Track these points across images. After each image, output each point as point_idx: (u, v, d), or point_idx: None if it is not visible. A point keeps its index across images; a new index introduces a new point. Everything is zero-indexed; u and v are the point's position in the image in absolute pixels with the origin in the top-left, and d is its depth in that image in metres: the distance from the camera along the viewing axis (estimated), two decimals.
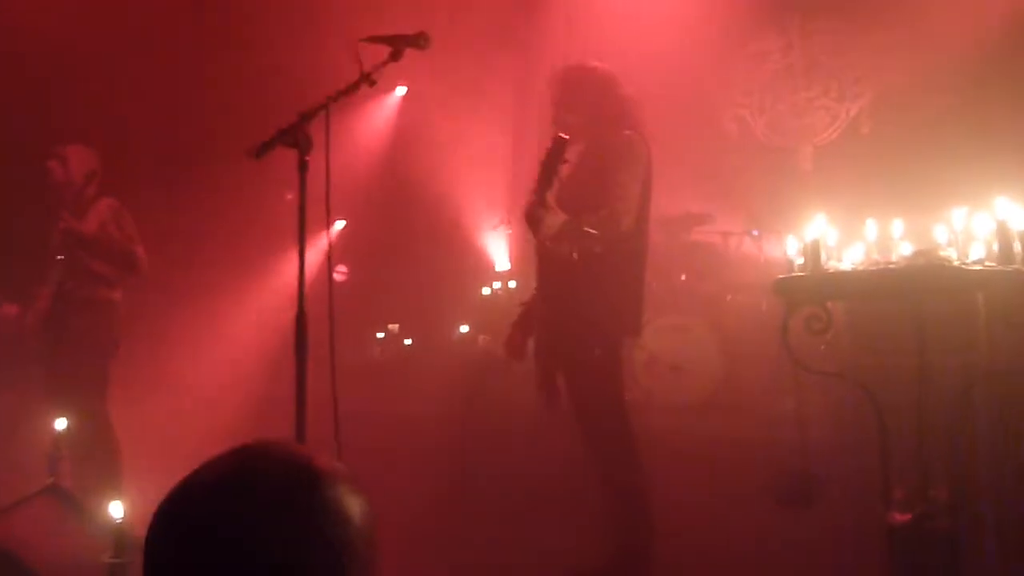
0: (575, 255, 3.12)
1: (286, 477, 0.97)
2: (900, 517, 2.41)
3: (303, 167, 2.54)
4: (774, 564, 3.23)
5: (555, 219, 3.08)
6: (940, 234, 2.75)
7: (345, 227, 7.88)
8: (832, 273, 2.56)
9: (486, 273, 7.59)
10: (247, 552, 0.91)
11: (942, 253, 2.50)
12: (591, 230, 3.09)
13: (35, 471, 3.85)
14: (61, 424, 3.78)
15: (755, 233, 6.57)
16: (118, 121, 5.85)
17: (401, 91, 8.00)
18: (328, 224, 2.64)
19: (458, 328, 7.33)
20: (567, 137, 3.05)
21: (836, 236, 2.84)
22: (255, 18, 6.52)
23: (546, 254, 3.24)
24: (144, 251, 4.41)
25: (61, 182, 4.40)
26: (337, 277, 7.24)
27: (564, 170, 3.10)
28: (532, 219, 3.10)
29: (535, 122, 3.63)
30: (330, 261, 2.73)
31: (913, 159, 5.98)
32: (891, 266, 2.51)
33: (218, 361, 6.35)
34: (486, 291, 7.40)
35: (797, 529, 3.28)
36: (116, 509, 2.67)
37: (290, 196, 2.62)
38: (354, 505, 0.98)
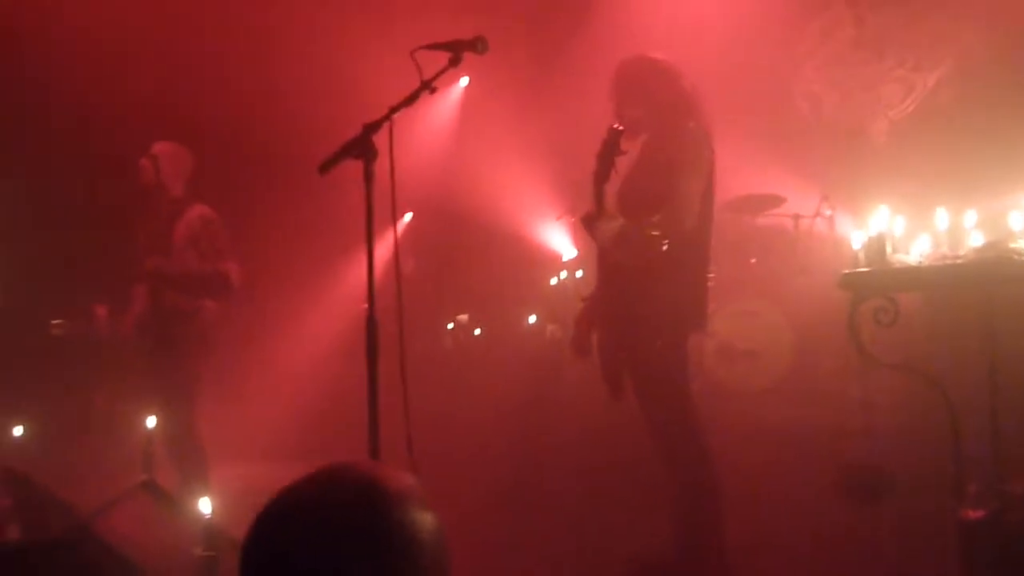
0: (636, 259, 3.12)
1: (359, 505, 1.05)
2: (974, 514, 2.37)
3: (369, 178, 2.62)
4: (843, 558, 3.20)
5: (613, 222, 3.08)
6: (1015, 221, 2.68)
7: (412, 219, 8.03)
8: (897, 269, 2.52)
9: (553, 263, 7.62)
10: (324, 565, 1.01)
11: (1014, 244, 2.43)
12: (653, 232, 3.08)
13: (129, 466, 4.09)
14: (153, 422, 4.00)
15: (828, 212, 6.43)
16: (193, 125, 6.08)
17: (464, 82, 8.06)
18: (395, 229, 2.73)
19: (526, 318, 7.39)
20: (621, 128, 3.03)
21: (903, 225, 2.79)
22: (320, 27, 6.68)
23: (606, 257, 3.23)
24: (236, 265, 4.38)
25: (151, 183, 4.35)
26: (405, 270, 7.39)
27: (623, 164, 3.09)
28: (589, 223, 3.10)
29: (600, 109, 3.61)
30: (398, 269, 2.80)
31: (996, 128, 5.76)
32: (958, 261, 2.45)
33: (295, 354, 6.55)
34: (553, 281, 7.43)
35: (866, 522, 3.24)
36: (205, 505, 2.82)
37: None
38: (424, 528, 1.06)
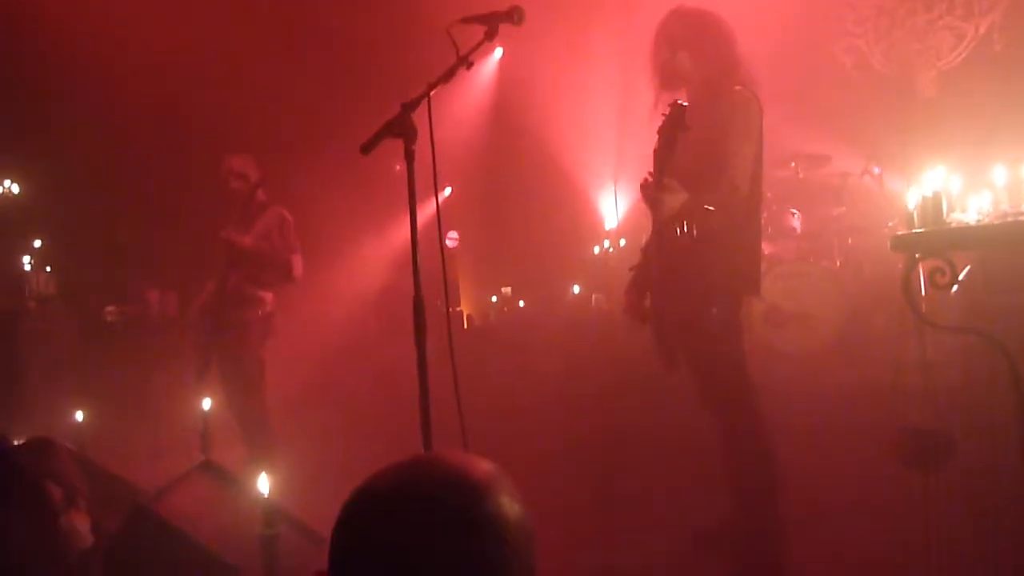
0: (695, 233, 3.07)
1: (451, 492, 1.07)
2: None
3: (410, 156, 2.62)
4: (903, 523, 3.15)
5: (674, 198, 3.03)
6: None
7: (453, 193, 8.03)
8: (953, 229, 2.44)
9: (595, 232, 7.57)
10: (416, 560, 1.03)
11: None
12: (711, 207, 3.03)
13: (188, 447, 4.19)
14: (208, 404, 4.10)
15: (876, 170, 6.28)
16: (241, 111, 6.16)
17: (498, 53, 7.99)
18: (438, 205, 2.73)
19: (571, 288, 7.37)
20: (686, 104, 2.96)
21: (960, 184, 2.70)
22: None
23: (666, 233, 3.17)
24: (301, 258, 4.73)
25: (236, 188, 4.73)
26: (449, 243, 7.41)
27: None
28: (651, 201, 3.05)
29: (641, 78, 3.53)
30: (442, 245, 2.80)
31: None
32: (1021, 218, 2.36)
33: (343, 333, 6.62)
34: (596, 250, 7.39)
35: (927, 488, 3.18)
36: (263, 484, 2.87)
37: (399, 167, 2.70)
38: (515, 515, 1.09)
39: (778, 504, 3.13)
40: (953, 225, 2.46)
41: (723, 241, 3.10)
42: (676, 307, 3.22)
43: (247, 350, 4.66)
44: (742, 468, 3.19)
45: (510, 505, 1.09)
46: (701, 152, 3.11)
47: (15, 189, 6.42)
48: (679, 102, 2.94)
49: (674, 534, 3.42)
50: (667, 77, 3.31)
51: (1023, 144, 3.68)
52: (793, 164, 6.36)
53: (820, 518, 3.36)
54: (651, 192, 3.01)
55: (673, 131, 2.92)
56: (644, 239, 3.44)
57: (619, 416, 5.02)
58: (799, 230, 6.41)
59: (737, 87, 3.20)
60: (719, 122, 3.14)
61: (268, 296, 4.75)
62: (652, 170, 3.03)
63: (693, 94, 3.28)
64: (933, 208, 2.44)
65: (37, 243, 6.29)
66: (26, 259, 6.10)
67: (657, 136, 2.96)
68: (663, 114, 2.96)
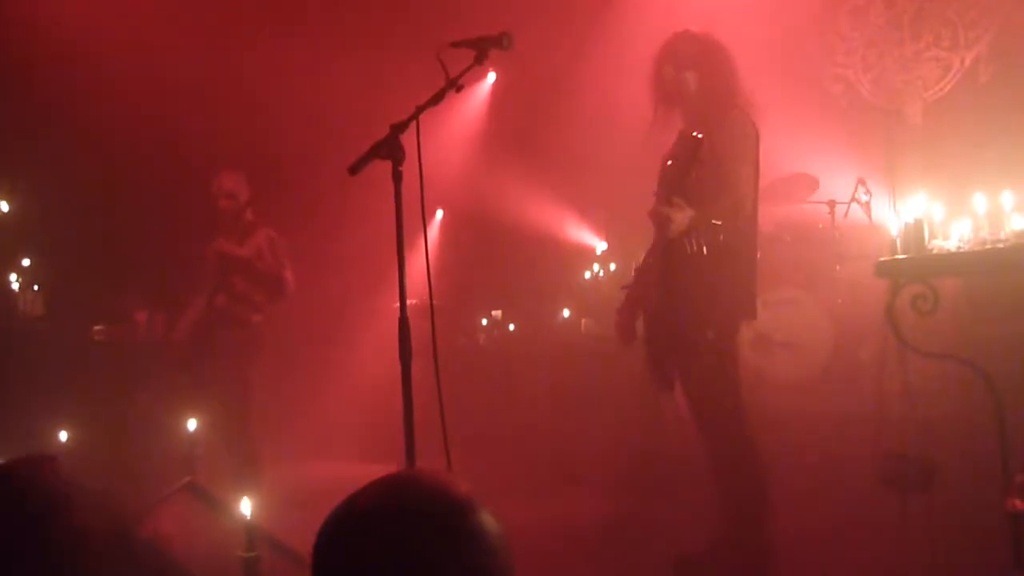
0: (705, 249, 3.09)
1: (439, 506, 1.07)
2: (1021, 504, 2.31)
3: (398, 178, 2.64)
4: (886, 549, 3.16)
5: (682, 216, 3.06)
6: None
7: (444, 216, 8.06)
8: (935, 255, 2.46)
9: (585, 256, 7.60)
10: (404, 571, 1.02)
11: None
12: (717, 221, 3.07)
13: (172, 469, 4.15)
14: (194, 425, 4.07)
15: (864, 198, 6.32)
16: (231, 136, 6.18)
17: (491, 78, 8.06)
18: (424, 227, 2.74)
19: (560, 312, 7.38)
20: (701, 136, 2.99)
21: (942, 211, 2.73)
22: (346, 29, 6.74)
23: (674, 249, 3.19)
24: (293, 275, 4.72)
25: (225, 207, 4.74)
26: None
27: (665, 146, 3.07)
28: (660, 219, 3.08)
29: (629, 100, 3.58)
30: (428, 267, 2.81)
31: None
32: (999, 245, 2.39)
33: (329, 353, 6.60)
34: (587, 275, 7.41)
35: (911, 514, 3.19)
36: (246, 506, 2.85)
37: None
38: (495, 530, 1.09)
39: (766, 527, 3.14)
40: (934, 251, 2.49)
41: (726, 260, 3.14)
42: (671, 330, 3.24)
43: (236, 371, 4.65)
44: (732, 491, 3.20)
45: (491, 520, 1.09)
46: (704, 173, 3.14)
47: (3, 207, 6.40)
48: (695, 135, 2.97)
49: (664, 557, 3.41)
50: (668, 94, 3.37)
51: (1004, 173, 3.73)
52: (782, 190, 6.40)
53: (807, 541, 3.37)
54: (658, 210, 3.04)
55: (688, 163, 2.96)
56: (638, 261, 3.47)
57: (607, 439, 5.01)
58: (788, 257, 6.43)
59: (736, 110, 3.25)
60: (721, 144, 3.17)
61: (257, 317, 4.74)
62: (658, 194, 3.07)
63: (691, 115, 3.33)
64: (915, 235, 2.47)
65: (25, 262, 6.26)
66: (13, 278, 6.07)
67: (669, 164, 3.00)
68: (675, 143, 3.01)
